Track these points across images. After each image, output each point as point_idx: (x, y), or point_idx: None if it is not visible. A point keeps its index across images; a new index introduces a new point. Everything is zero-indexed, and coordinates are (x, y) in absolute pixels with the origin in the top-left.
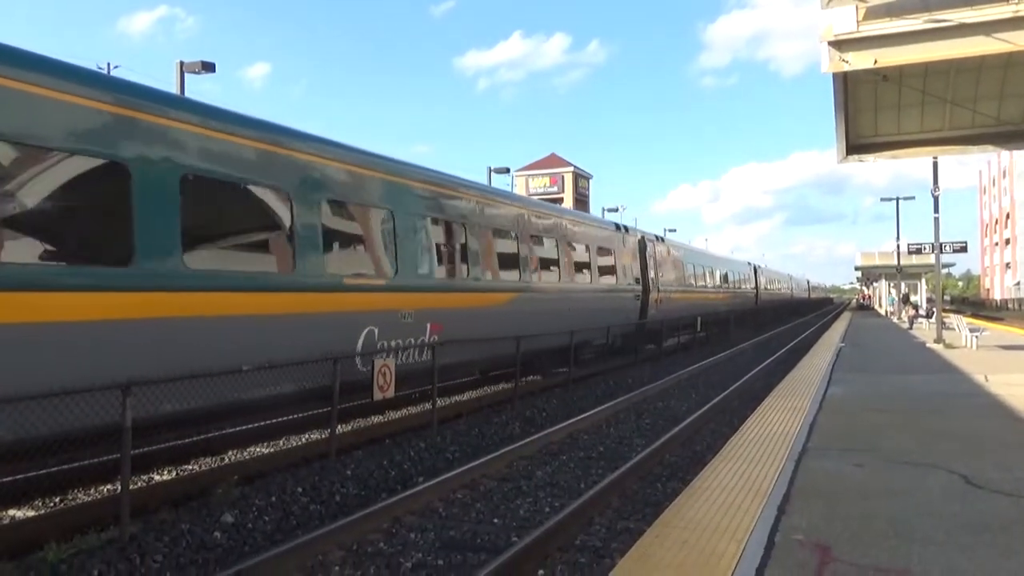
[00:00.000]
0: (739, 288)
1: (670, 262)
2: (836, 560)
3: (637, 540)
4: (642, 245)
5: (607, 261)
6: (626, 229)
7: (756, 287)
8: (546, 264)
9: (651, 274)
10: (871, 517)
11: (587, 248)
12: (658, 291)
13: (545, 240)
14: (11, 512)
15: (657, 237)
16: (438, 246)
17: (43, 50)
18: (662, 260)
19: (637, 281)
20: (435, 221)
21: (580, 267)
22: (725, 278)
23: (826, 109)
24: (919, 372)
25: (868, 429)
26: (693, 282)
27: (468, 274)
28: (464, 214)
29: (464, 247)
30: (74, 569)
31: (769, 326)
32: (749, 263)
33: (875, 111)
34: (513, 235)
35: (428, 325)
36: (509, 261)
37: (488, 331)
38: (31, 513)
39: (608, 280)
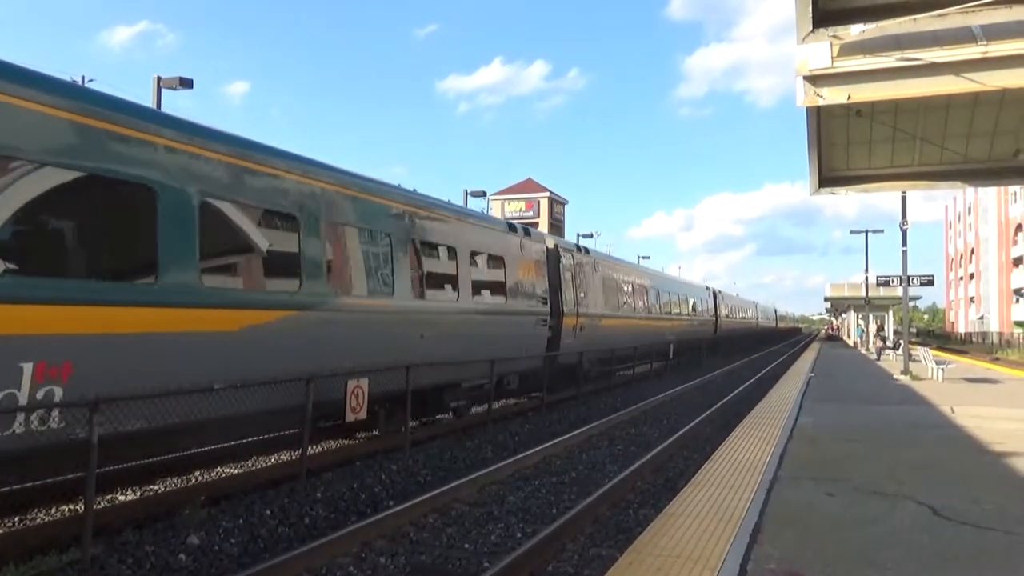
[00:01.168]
0: (695, 315)
1: (599, 281)
2: None
3: (610, 567)
4: (553, 255)
5: (493, 273)
6: (527, 232)
7: (716, 315)
8: (372, 270)
9: (567, 293)
10: (843, 546)
11: (453, 252)
12: (578, 316)
13: (371, 234)
14: None
15: (579, 248)
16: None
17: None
18: (587, 277)
19: (544, 302)
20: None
21: (439, 279)
22: (677, 303)
23: (799, 142)
24: (887, 403)
25: (838, 459)
26: (633, 306)
27: (163, 275)
28: (143, 172)
29: (148, 230)
30: None
31: (735, 356)
32: (707, 288)
33: (847, 145)
34: (288, 218)
35: (28, 367)
36: (279, 260)
37: (216, 372)
38: None
39: (492, 299)
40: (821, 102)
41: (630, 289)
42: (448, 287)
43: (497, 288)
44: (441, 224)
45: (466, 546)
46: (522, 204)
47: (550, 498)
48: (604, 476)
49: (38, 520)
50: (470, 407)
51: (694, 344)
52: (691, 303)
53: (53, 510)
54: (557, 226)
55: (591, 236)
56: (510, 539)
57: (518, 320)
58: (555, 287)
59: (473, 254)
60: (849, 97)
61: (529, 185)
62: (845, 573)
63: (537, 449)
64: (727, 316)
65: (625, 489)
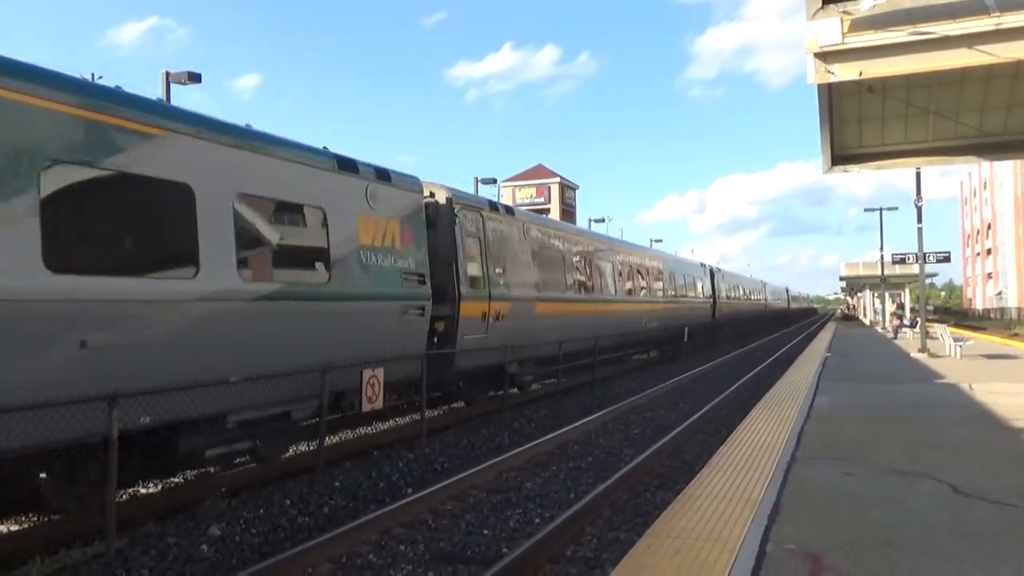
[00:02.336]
0: (683, 297)
1: (529, 252)
2: (828, 569)
3: (629, 550)
4: (444, 213)
5: (299, 236)
6: (384, 176)
7: (714, 296)
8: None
9: (470, 268)
10: (862, 526)
11: (228, 205)
12: (491, 299)
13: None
14: None
15: (496, 205)
16: None
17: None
18: (508, 247)
19: (421, 279)
20: None
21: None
22: (657, 282)
23: (812, 120)
24: (905, 381)
25: (856, 438)
26: (590, 286)
27: None
28: None
29: None
30: None
31: (741, 341)
32: (703, 264)
33: (859, 122)
34: None
35: None
36: None
37: None
38: (14, 527)
39: (294, 275)
40: (832, 79)
41: (584, 264)
42: (216, 252)
43: (308, 259)
44: (186, 145)
45: (485, 532)
46: (533, 190)
47: (567, 483)
48: (621, 460)
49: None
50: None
51: (685, 331)
52: (677, 282)
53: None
54: (569, 212)
55: (603, 221)
56: (528, 524)
57: (355, 308)
58: (447, 259)
59: (282, 208)
60: (861, 73)
61: (540, 171)
62: (865, 552)
63: (553, 435)
64: (729, 297)
65: (642, 473)
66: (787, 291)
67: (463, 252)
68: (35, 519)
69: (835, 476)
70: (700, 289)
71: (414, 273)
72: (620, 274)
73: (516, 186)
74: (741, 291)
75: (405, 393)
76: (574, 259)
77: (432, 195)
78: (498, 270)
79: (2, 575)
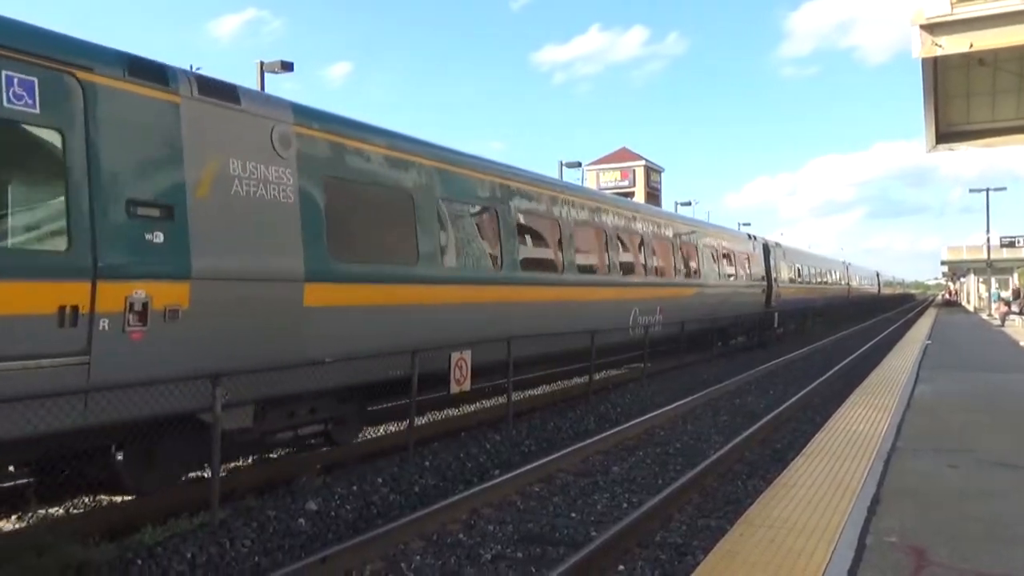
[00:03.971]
0: (719, 280)
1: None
2: (933, 563)
3: (720, 538)
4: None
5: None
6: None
7: (768, 279)
8: None
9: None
10: (969, 520)
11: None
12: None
13: None
14: (109, 496)
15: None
16: None
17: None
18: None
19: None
20: None
21: None
22: (656, 257)
23: (914, 97)
24: (1013, 371)
25: (960, 429)
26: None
27: None
28: None
29: None
30: (169, 551)
31: (804, 341)
32: (751, 237)
33: (967, 97)
34: None
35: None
36: None
37: None
38: (128, 497)
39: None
40: (939, 52)
41: (547, 231)
42: None
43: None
44: None
45: (572, 515)
46: (617, 173)
47: (655, 468)
48: (710, 447)
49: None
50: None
51: (727, 326)
52: (704, 259)
53: (183, 477)
54: (654, 195)
55: (688, 204)
56: (616, 509)
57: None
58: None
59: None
60: (971, 45)
61: (624, 154)
62: (971, 549)
63: (640, 420)
64: (793, 280)
65: (732, 460)
66: (877, 275)
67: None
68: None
69: (939, 468)
70: (744, 269)
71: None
72: (622, 246)
73: (600, 169)
74: (810, 273)
75: None
76: (541, 225)
77: None
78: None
79: (118, 541)
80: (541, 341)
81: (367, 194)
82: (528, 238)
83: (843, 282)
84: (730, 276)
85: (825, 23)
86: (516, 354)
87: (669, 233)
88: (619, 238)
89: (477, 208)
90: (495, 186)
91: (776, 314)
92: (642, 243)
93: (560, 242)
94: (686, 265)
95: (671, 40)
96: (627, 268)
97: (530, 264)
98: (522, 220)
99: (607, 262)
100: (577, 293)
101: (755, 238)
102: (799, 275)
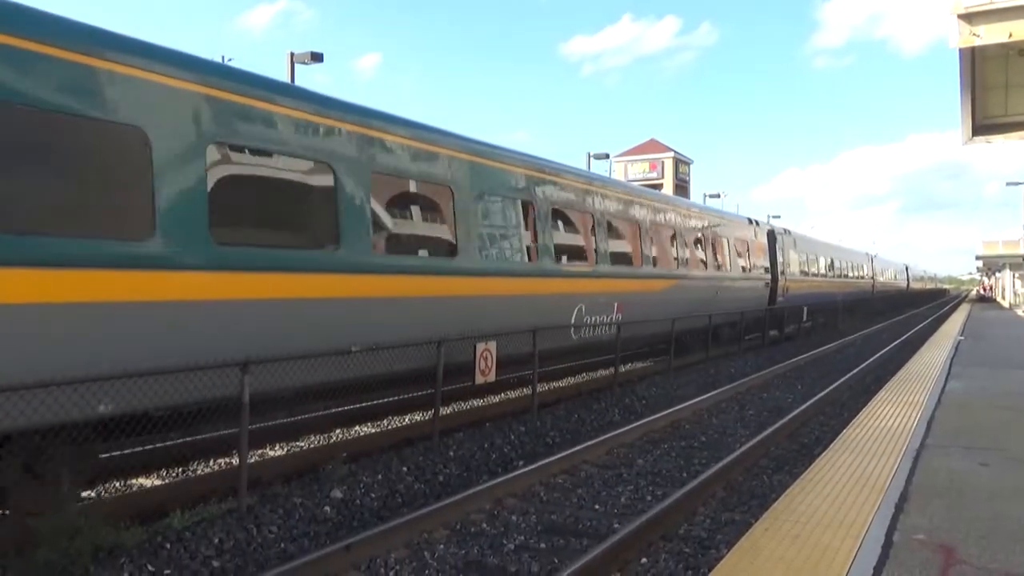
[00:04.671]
0: (696, 270)
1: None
2: (962, 562)
3: (744, 532)
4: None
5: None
6: None
7: (775, 271)
8: None
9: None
10: (1000, 519)
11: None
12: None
13: None
14: (139, 480)
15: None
16: None
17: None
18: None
19: None
20: None
21: None
22: (616, 240)
23: (950, 88)
24: None
25: (993, 426)
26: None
27: None
28: None
29: None
30: (197, 536)
31: (834, 335)
32: (752, 222)
33: (1006, 88)
34: None
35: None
36: None
37: None
38: (158, 482)
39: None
40: (977, 42)
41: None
42: None
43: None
44: None
45: (596, 507)
46: (646, 165)
47: (680, 462)
48: (735, 441)
49: (199, 472)
50: None
51: (720, 324)
52: (686, 246)
53: (211, 463)
54: (682, 187)
55: (717, 196)
56: (640, 501)
57: None
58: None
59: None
60: (1010, 35)
61: (652, 145)
62: (1003, 549)
63: (665, 412)
64: (805, 273)
65: (758, 454)
66: (907, 269)
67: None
68: (174, 475)
69: (970, 465)
70: (743, 259)
71: None
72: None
73: (629, 161)
74: (827, 265)
75: None
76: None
77: None
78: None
79: (148, 525)
80: (408, 354)
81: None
82: (387, 210)
83: (867, 276)
84: (722, 267)
85: (857, 12)
86: (348, 375)
87: (636, 213)
88: (553, 214)
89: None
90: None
91: (784, 311)
92: (593, 223)
93: (453, 216)
94: (660, 253)
95: (703, 30)
96: (567, 253)
97: (395, 244)
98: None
99: (527, 245)
100: (477, 285)
101: (758, 223)
102: (813, 267)
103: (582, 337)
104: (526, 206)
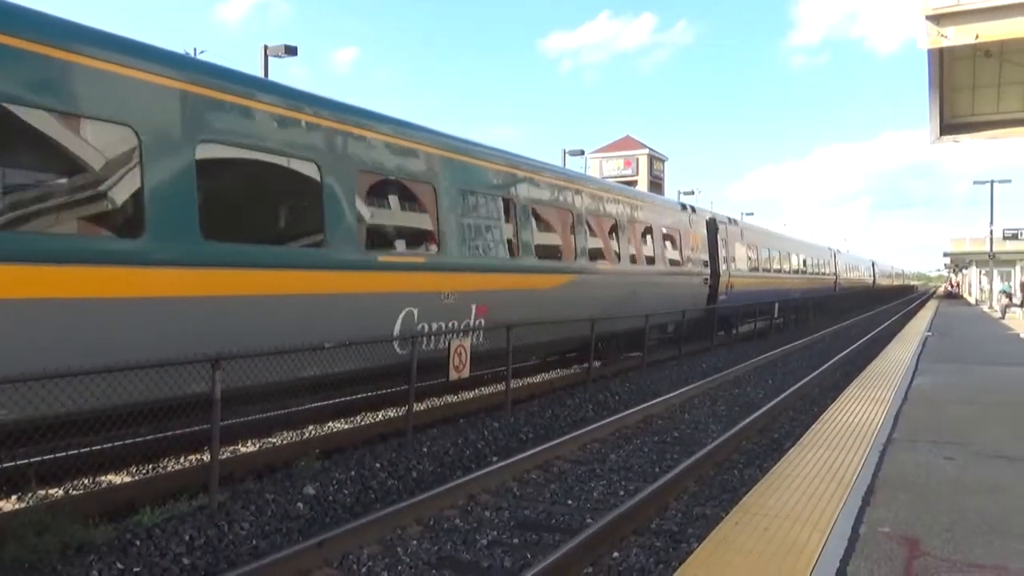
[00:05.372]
0: (614, 271)
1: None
2: (926, 554)
3: (715, 526)
4: None
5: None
6: None
7: (714, 264)
8: None
9: None
10: (963, 512)
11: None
12: None
13: None
14: (108, 477)
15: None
16: None
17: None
18: None
19: None
20: None
21: None
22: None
23: (922, 88)
24: (1013, 364)
25: (958, 421)
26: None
27: None
28: None
29: None
30: (167, 533)
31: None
32: (684, 206)
33: (973, 89)
34: None
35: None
36: None
37: None
38: (127, 479)
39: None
40: (945, 43)
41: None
42: None
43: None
44: None
45: (569, 502)
46: (620, 162)
47: (652, 457)
48: (707, 436)
49: (169, 468)
50: None
51: (635, 331)
52: (583, 232)
53: (182, 459)
54: (657, 184)
55: (692, 193)
56: (613, 496)
57: None
58: None
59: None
60: (977, 36)
61: (628, 142)
62: (966, 541)
63: (638, 408)
64: (755, 268)
65: (729, 449)
66: (873, 265)
67: None
68: (144, 472)
69: (935, 460)
70: (672, 251)
71: None
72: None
73: (604, 157)
74: (781, 260)
75: None
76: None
77: None
78: None
79: (117, 522)
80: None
81: None
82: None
83: (829, 272)
84: (642, 259)
85: (833, 11)
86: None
87: (515, 190)
88: (366, 186)
89: None
90: None
91: (726, 312)
92: (436, 198)
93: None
94: (550, 241)
95: (679, 28)
96: (386, 239)
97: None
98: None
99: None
100: (222, 282)
101: (694, 209)
102: (765, 262)
103: (421, 350)
104: (323, 173)
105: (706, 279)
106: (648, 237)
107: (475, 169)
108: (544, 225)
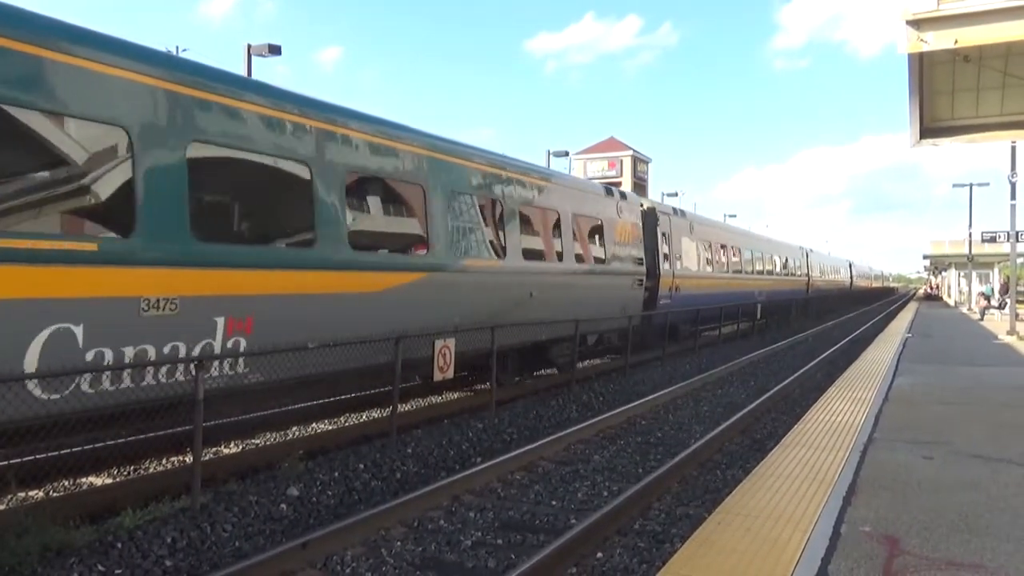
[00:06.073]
0: (504, 269)
1: None
2: (905, 553)
3: (698, 526)
4: None
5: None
6: None
7: (655, 262)
8: None
9: None
10: (942, 510)
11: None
12: None
13: None
14: (89, 479)
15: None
16: None
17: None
18: None
19: None
20: None
21: None
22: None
23: (902, 92)
24: (991, 364)
25: (937, 421)
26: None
27: None
28: None
29: None
30: (149, 535)
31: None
32: (617, 193)
33: (952, 93)
34: None
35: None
36: None
37: None
38: (108, 480)
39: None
40: (925, 48)
41: None
42: None
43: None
44: None
45: (553, 503)
46: (604, 163)
47: (636, 457)
48: (690, 436)
49: (151, 470)
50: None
51: (546, 344)
52: (463, 220)
53: (164, 461)
54: (641, 185)
55: (675, 195)
56: (596, 497)
57: None
58: None
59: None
60: (956, 41)
61: (612, 144)
62: (944, 539)
63: (622, 409)
64: (709, 266)
65: (712, 449)
66: (850, 265)
67: None
68: (126, 473)
69: (914, 459)
70: (596, 246)
71: None
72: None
73: (588, 159)
74: (742, 259)
75: None
76: None
77: None
78: None
79: (98, 524)
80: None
81: None
82: None
83: (801, 273)
84: (543, 254)
85: (816, 15)
86: None
87: (325, 152)
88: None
89: None
90: None
91: (669, 320)
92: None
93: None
94: (389, 227)
95: (664, 30)
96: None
97: None
98: None
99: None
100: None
101: (624, 195)
102: (721, 260)
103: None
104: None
105: (640, 280)
106: (556, 227)
107: (243, 122)
108: (375, 204)
